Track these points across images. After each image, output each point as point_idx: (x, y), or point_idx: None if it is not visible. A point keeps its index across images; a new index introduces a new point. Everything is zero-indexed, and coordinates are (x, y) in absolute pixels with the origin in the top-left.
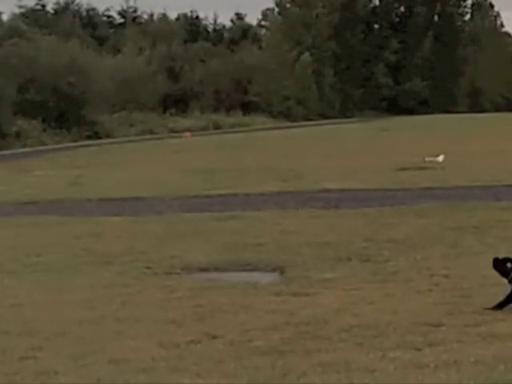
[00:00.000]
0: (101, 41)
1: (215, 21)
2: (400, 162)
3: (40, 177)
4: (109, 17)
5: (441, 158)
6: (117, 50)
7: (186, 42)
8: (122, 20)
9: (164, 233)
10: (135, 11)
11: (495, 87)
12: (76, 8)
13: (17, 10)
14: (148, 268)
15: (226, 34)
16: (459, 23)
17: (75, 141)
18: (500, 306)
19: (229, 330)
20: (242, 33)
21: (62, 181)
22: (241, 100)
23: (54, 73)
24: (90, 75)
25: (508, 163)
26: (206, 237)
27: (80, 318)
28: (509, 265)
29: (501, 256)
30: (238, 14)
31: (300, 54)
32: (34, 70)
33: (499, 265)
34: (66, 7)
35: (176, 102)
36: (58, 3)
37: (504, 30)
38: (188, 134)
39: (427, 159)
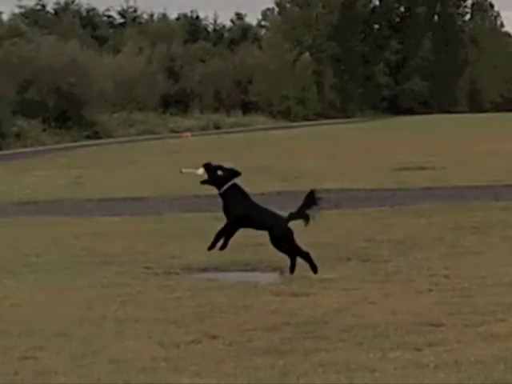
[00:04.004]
0: (101, 41)
1: (215, 21)
2: (400, 161)
3: (40, 177)
4: (109, 17)
5: (200, 171)
6: (117, 50)
7: (186, 42)
8: (122, 20)
9: (164, 233)
10: (135, 11)
11: (495, 87)
12: (76, 8)
13: (17, 10)
14: (148, 268)
15: (226, 34)
16: (459, 23)
17: (75, 141)
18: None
19: (229, 329)
20: (242, 33)
21: (62, 181)
22: (241, 100)
23: (54, 73)
24: (90, 75)
25: (508, 163)
26: (206, 237)
27: (80, 317)
28: (219, 172)
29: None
30: (238, 14)
31: (300, 54)
32: (34, 69)
33: (211, 172)
34: (66, 7)
35: (176, 102)
36: (58, 3)
37: (504, 29)
38: (188, 133)
39: (184, 170)
